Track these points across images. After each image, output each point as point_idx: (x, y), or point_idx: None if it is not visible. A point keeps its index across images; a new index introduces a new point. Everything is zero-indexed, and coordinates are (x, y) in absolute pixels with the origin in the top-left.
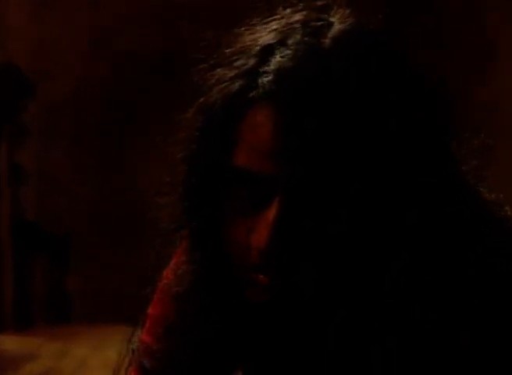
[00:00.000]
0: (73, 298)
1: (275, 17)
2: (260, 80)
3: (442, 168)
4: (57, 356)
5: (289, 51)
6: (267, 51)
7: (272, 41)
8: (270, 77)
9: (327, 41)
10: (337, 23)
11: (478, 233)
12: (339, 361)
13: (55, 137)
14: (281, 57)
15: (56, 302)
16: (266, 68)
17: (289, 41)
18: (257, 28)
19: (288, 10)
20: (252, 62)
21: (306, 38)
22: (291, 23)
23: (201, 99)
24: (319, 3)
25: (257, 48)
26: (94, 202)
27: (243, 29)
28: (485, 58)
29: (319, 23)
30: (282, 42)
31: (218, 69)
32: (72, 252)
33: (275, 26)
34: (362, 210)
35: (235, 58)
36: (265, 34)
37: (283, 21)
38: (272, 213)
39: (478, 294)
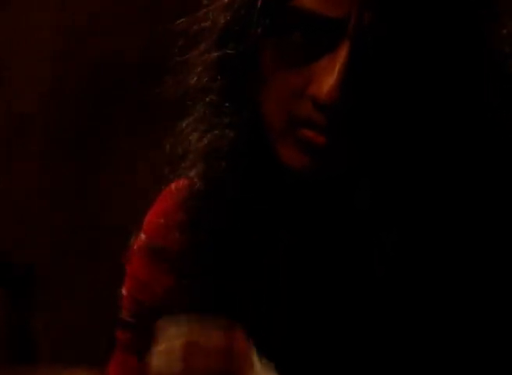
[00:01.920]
0: (38, 336)
1: None
2: None
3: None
4: None
5: None
6: None
7: None
8: None
9: None
10: None
11: None
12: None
13: (19, 156)
14: None
15: (18, 341)
16: None
17: None
18: None
19: None
20: None
21: None
22: None
23: None
24: None
25: None
26: (63, 228)
27: None
28: None
29: None
30: None
31: None
32: (37, 285)
33: None
34: (431, 80)
35: None
36: None
37: None
38: (339, 59)
39: None
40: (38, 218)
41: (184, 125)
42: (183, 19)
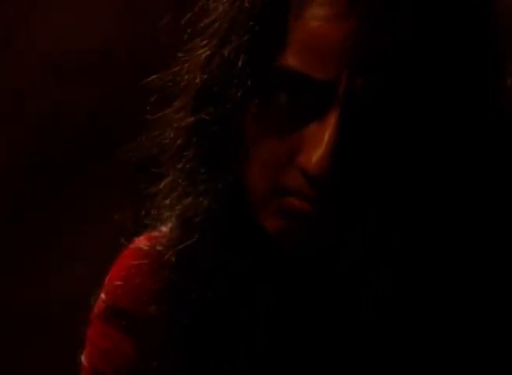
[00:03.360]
0: None
1: None
2: None
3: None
4: None
5: None
6: None
7: None
8: None
9: None
10: None
11: None
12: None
13: None
14: None
15: None
16: None
17: None
18: None
19: None
20: None
21: None
22: None
23: None
24: None
25: None
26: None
27: None
28: None
29: None
30: None
31: None
32: None
33: None
34: (428, 141)
35: None
36: None
37: None
38: (329, 127)
39: None
40: None
41: (158, 189)
42: (156, 75)
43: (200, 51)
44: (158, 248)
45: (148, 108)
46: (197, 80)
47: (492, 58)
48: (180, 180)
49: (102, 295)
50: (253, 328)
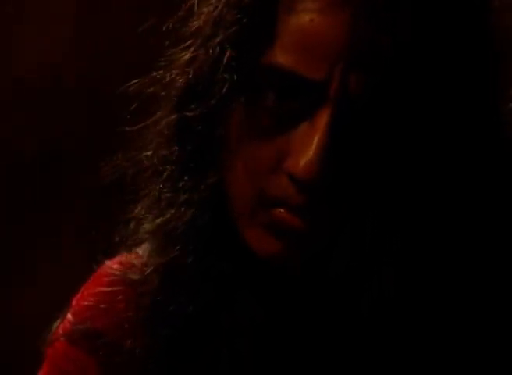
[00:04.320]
0: None
1: None
2: None
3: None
4: None
5: None
6: None
7: None
8: None
9: None
10: None
11: None
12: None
13: None
14: None
15: None
16: None
17: None
18: None
19: None
20: None
21: None
22: None
23: None
24: None
25: None
26: None
27: None
28: None
29: None
30: None
31: None
32: None
33: None
34: (422, 145)
35: None
36: None
37: None
38: (319, 128)
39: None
40: None
41: (136, 211)
42: (135, 81)
43: (183, 54)
44: (133, 274)
45: (129, 116)
46: (181, 80)
47: (492, 61)
48: (163, 190)
49: (69, 316)
50: (235, 335)
